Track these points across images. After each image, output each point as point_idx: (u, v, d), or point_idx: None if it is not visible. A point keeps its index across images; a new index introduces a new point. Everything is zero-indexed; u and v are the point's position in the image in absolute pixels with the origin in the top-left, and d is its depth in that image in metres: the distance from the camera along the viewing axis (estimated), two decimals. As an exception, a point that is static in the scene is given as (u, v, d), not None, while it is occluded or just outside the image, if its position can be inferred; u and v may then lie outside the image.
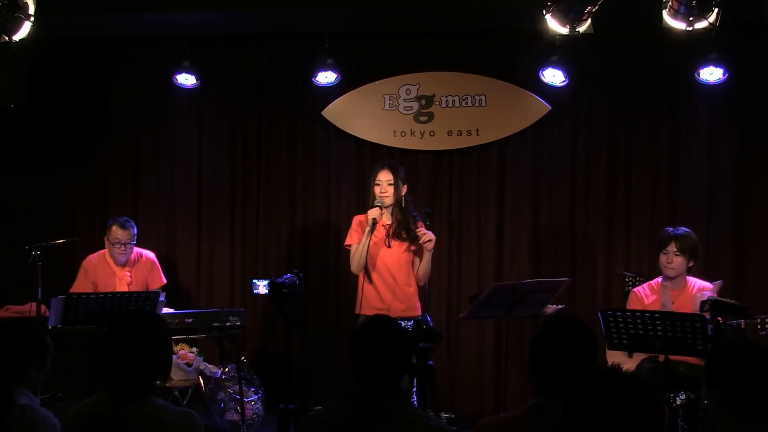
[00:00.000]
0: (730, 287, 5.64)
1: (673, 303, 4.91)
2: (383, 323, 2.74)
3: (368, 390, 2.62)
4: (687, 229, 5.06)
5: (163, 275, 5.93)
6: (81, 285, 5.72)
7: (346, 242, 5.16)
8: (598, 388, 1.84)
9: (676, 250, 4.95)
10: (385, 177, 5.10)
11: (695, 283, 5.02)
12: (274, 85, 6.53)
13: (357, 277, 5.15)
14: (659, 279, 5.09)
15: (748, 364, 2.38)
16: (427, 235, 5.04)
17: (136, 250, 5.83)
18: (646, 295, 5.07)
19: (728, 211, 5.93)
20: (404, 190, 5.14)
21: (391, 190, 5.08)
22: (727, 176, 5.95)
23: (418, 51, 6.35)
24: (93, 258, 5.81)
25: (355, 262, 5.06)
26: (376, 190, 5.09)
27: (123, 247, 5.67)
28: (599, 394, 1.83)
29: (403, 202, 5.13)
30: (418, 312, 5.10)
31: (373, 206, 5.04)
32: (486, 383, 6.21)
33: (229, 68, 6.57)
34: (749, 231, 5.92)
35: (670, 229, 5.07)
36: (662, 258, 5.00)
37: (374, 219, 4.99)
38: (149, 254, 5.92)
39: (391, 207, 5.13)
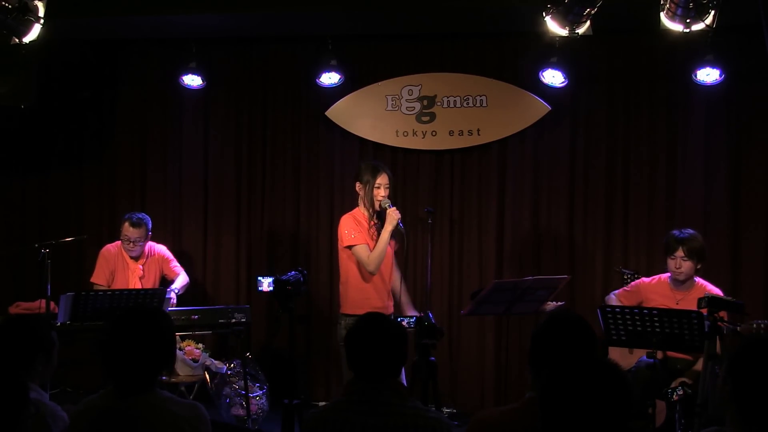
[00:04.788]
0: (726, 283, 5.72)
1: (677, 303, 4.92)
2: (376, 319, 2.80)
3: (367, 384, 2.66)
4: (692, 231, 5.08)
5: (177, 265, 6.09)
6: (102, 273, 5.94)
7: (350, 242, 5.08)
8: (570, 373, 1.95)
9: (684, 255, 4.97)
10: (385, 181, 5.14)
11: (705, 285, 5.03)
12: (279, 86, 6.60)
13: (348, 276, 5.13)
14: (668, 276, 5.12)
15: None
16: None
17: (149, 244, 6.02)
18: (653, 290, 5.13)
19: (724, 210, 5.99)
20: None
21: (387, 192, 5.16)
22: (723, 175, 6.00)
23: (420, 52, 6.41)
24: (110, 247, 6.02)
25: (378, 262, 5.02)
26: (378, 192, 5.11)
27: (132, 245, 5.87)
28: (571, 379, 1.94)
29: None
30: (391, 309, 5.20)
31: (383, 207, 5.05)
32: (487, 379, 6.28)
33: (234, 69, 6.63)
34: (745, 229, 5.98)
35: (677, 232, 5.08)
36: (671, 263, 5.02)
37: (399, 219, 5.03)
38: (161, 249, 6.11)
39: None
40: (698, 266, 5.02)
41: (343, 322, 5.09)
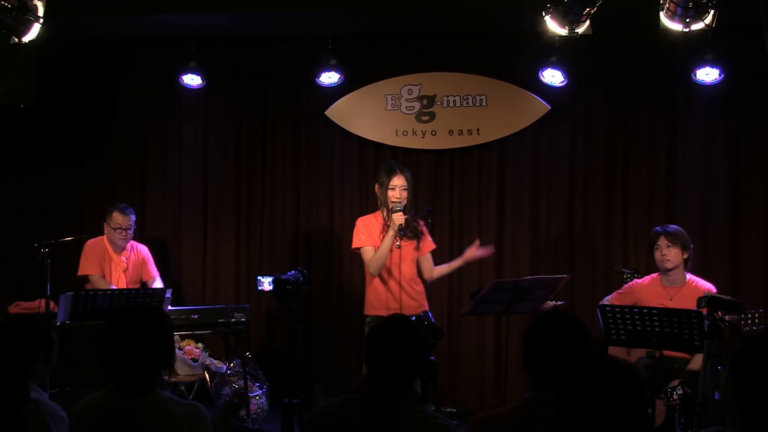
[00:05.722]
0: (726, 283, 5.72)
1: (671, 300, 4.94)
2: (402, 323, 2.75)
3: (378, 385, 2.64)
4: (675, 226, 5.13)
5: (155, 269, 6.05)
6: (90, 264, 5.86)
7: (357, 245, 5.10)
8: (587, 372, 1.95)
9: (667, 242, 5.00)
10: (400, 182, 5.08)
11: (696, 281, 5.04)
12: (279, 85, 6.60)
13: (363, 278, 5.18)
14: (659, 274, 5.13)
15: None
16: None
17: (131, 241, 6.00)
18: (645, 289, 5.12)
19: (724, 209, 6.00)
20: None
21: (405, 194, 5.08)
22: (723, 175, 6.01)
23: (419, 52, 6.42)
24: (93, 242, 5.97)
25: (377, 265, 5.01)
26: (391, 194, 5.07)
27: (124, 233, 5.85)
28: (587, 378, 1.94)
29: (409, 204, 5.18)
30: (426, 307, 5.19)
31: (393, 211, 5.00)
32: (486, 378, 6.28)
33: (234, 69, 6.64)
34: (744, 228, 5.99)
35: (658, 228, 5.14)
36: (656, 254, 5.05)
37: (401, 224, 4.98)
38: (143, 247, 6.10)
39: None
40: (685, 256, 5.03)
41: (366, 320, 5.17)
